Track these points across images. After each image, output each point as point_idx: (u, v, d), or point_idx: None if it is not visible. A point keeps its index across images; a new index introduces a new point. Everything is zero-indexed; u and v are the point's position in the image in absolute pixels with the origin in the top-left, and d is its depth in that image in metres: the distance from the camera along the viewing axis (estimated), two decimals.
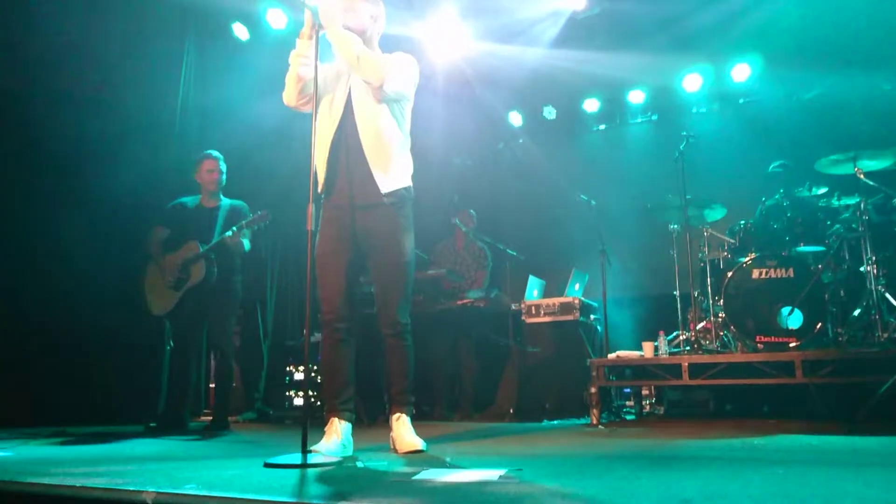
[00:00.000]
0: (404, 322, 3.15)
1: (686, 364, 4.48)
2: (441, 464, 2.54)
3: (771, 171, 5.50)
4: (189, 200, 4.81)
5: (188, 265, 4.59)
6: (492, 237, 6.19)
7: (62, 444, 3.63)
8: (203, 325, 4.68)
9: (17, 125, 4.94)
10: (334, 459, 2.65)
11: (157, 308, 4.69)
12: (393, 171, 3.12)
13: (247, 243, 4.68)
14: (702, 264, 5.34)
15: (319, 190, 3.16)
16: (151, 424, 4.64)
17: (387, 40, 3.37)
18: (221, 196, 4.83)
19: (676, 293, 5.47)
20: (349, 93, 3.15)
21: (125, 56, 5.38)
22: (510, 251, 6.15)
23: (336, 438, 2.94)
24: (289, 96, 3.14)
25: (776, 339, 4.51)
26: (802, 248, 4.88)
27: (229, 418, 4.77)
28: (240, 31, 6.21)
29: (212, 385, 6.76)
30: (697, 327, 5.11)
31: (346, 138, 3.12)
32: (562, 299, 5.44)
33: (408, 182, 3.20)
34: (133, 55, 5.43)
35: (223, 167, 4.79)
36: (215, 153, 4.80)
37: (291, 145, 5.52)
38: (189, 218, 4.71)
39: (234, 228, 4.52)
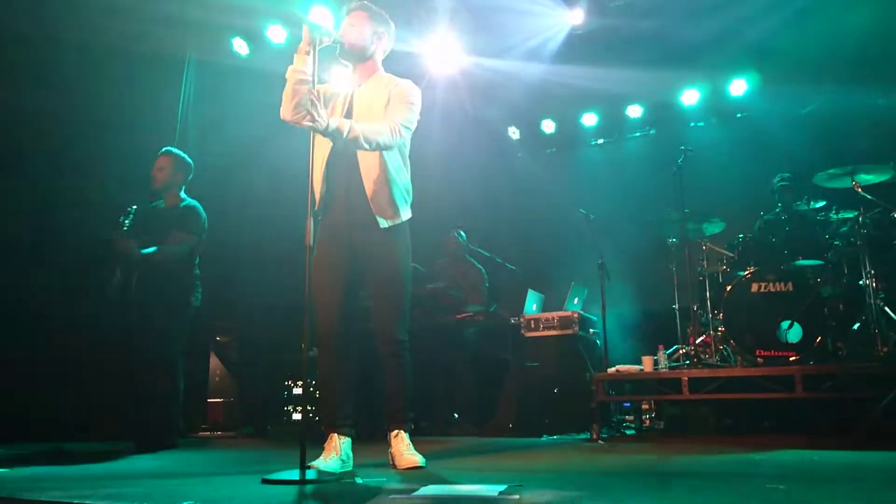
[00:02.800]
0: (402, 339, 3.14)
1: (686, 378, 4.47)
2: (440, 480, 2.52)
3: (778, 186, 5.51)
4: (154, 203, 4.61)
5: (133, 269, 4.39)
6: (490, 251, 6.19)
7: (59, 460, 3.61)
8: (135, 337, 4.42)
9: (10, 141, 4.93)
10: (333, 476, 2.64)
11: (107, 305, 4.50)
12: (391, 207, 3.11)
13: (150, 248, 4.31)
14: (701, 278, 5.34)
15: (317, 205, 3.16)
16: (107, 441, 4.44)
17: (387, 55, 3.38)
18: (183, 196, 4.59)
19: (675, 307, 5.47)
20: (349, 112, 3.16)
21: (126, 71, 5.39)
22: (509, 265, 6.16)
23: (335, 454, 2.93)
24: (285, 111, 3.12)
25: (776, 354, 4.50)
26: (801, 262, 4.88)
27: (203, 433, 4.62)
28: (240, 46, 6.23)
29: (217, 400, 6.75)
30: (697, 341, 5.10)
31: (345, 157, 3.11)
32: (561, 313, 5.43)
33: (407, 215, 3.21)
34: (134, 70, 5.45)
35: (173, 164, 4.55)
36: (168, 149, 4.60)
37: (291, 160, 5.53)
38: (147, 222, 4.46)
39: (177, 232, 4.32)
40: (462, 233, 6.25)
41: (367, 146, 2.94)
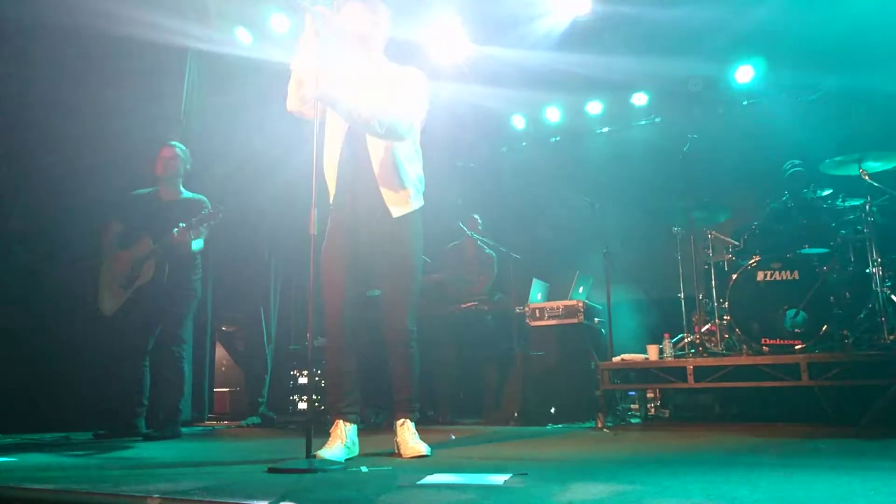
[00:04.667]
0: (411, 329, 3.14)
1: (691, 367, 4.46)
2: (446, 468, 2.53)
3: (789, 172, 5.46)
4: (146, 192, 4.63)
5: (140, 263, 4.42)
6: (495, 240, 6.18)
7: (66, 449, 3.63)
8: (155, 327, 4.50)
9: (8, 132, 4.91)
10: (339, 464, 2.65)
11: (107, 307, 4.49)
12: (403, 195, 3.12)
13: (198, 242, 4.47)
14: (706, 267, 5.33)
15: (330, 197, 3.16)
16: (100, 431, 4.37)
17: (390, 44, 3.37)
18: (182, 189, 4.65)
19: (681, 296, 5.46)
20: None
21: (127, 62, 5.37)
22: (513, 254, 6.15)
23: (340, 443, 2.94)
24: (291, 102, 3.12)
25: (781, 342, 4.49)
26: (807, 250, 4.87)
27: (225, 423, 4.68)
28: (243, 35, 6.20)
29: (223, 390, 6.78)
30: (702, 330, 5.09)
31: (355, 148, 3.12)
32: (566, 302, 5.43)
33: (418, 203, 3.21)
34: (135, 60, 5.42)
35: (182, 156, 4.63)
36: (174, 142, 4.67)
37: (295, 150, 5.53)
38: (145, 212, 4.52)
39: (182, 225, 4.29)
40: (476, 216, 6.28)
41: (379, 130, 2.95)
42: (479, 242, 6.08)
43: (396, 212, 3.10)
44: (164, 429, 4.38)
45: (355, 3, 3.18)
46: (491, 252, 6.12)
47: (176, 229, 4.28)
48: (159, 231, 4.38)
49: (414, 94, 3.15)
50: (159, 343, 4.54)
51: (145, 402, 4.52)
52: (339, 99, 2.91)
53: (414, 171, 3.20)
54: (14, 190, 4.91)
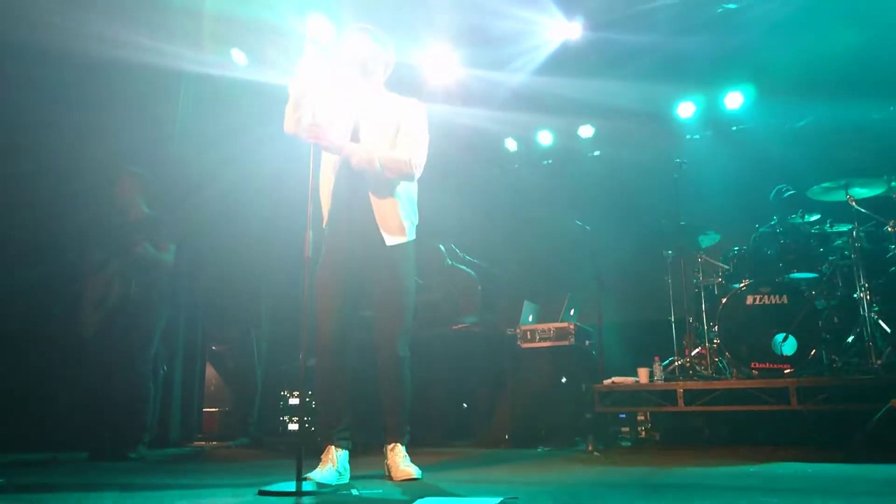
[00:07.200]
0: (403, 356, 3.16)
1: (681, 390, 4.48)
2: (436, 492, 2.53)
3: (785, 195, 5.50)
4: (119, 217, 4.80)
5: (109, 283, 4.55)
6: (486, 262, 6.20)
7: (55, 470, 3.60)
8: (131, 342, 4.55)
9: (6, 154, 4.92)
10: (330, 487, 2.64)
11: (85, 330, 4.56)
12: (398, 226, 3.16)
13: (165, 256, 4.64)
14: (696, 290, 5.36)
15: (324, 219, 3.19)
16: (98, 451, 4.38)
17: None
18: (144, 209, 4.82)
19: (671, 319, 5.49)
20: (356, 130, 3.19)
21: (120, 85, 5.39)
22: (505, 276, 6.17)
23: (331, 466, 2.93)
24: (289, 124, 3.15)
25: (771, 366, 4.52)
26: (796, 275, 4.91)
27: (210, 443, 4.65)
28: (238, 57, 6.24)
29: (212, 409, 6.73)
30: (692, 353, 5.11)
31: (352, 173, 3.14)
32: (557, 325, 5.44)
33: (413, 233, 3.25)
34: (129, 84, 5.44)
35: (135, 180, 4.82)
36: (130, 168, 4.86)
37: (289, 172, 5.54)
38: (114, 234, 4.66)
39: (147, 242, 4.50)
40: (441, 246, 6.29)
41: (389, 175, 3.11)
42: (454, 265, 6.10)
43: (390, 241, 3.13)
44: (129, 449, 4.36)
45: (360, 33, 3.24)
46: (469, 271, 6.14)
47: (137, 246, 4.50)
48: (123, 250, 4.54)
49: (422, 132, 3.25)
50: (126, 360, 4.54)
51: (144, 420, 4.50)
52: (342, 147, 3.07)
53: (410, 202, 3.26)
54: (3, 215, 4.90)
